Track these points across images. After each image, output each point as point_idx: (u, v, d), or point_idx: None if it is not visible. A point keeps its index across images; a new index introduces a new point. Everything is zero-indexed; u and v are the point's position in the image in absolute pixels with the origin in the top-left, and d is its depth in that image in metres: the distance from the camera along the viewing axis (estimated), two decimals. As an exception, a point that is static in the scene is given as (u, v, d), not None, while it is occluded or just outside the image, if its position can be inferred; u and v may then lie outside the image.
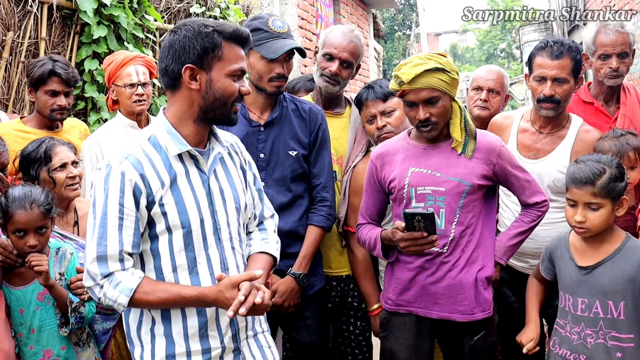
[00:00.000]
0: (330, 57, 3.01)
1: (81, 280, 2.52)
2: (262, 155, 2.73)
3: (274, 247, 2.27)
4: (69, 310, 2.47)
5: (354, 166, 3.01)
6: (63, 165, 2.73)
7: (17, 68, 3.72)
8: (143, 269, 1.99)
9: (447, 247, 2.48)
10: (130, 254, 1.92)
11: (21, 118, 3.29)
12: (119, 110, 3.47)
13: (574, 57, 2.84)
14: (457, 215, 2.47)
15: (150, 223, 1.96)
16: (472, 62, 37.24)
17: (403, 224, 2.36)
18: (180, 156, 2.00)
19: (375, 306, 2.95)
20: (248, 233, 2.29)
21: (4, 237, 2.49)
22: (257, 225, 2.33)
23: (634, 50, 3.26)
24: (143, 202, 1.92)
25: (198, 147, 2.04)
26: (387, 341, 2.68)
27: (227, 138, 2.21)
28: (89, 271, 1.91)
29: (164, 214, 1.94)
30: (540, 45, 2.93)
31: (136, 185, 1.91)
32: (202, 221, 1.99)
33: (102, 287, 1.90)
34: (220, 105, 1.98)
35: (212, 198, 2.04)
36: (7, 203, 2.41)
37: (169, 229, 1.96)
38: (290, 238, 2.72)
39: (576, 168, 2.34)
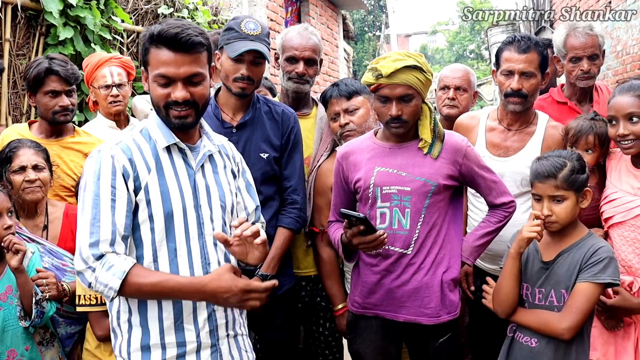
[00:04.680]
0: (293, 60, 3.05)
1: (42, 278, 2.54)
2: (233, 157, 2.74)
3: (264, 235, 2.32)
4: (33, 302, 2.46)
5: (319, 166, 3.04)
6: (22, 168, 2.69)
7: (-19, 70, 3.67)
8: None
9: (412, 248, 2.49)
10: (123, 237, 1.94)
11: (30, 123, 3.15)
12: (99, 111, 3.45)
13: (540, 52, 2.88)
14: (423, 215, 2.47)
15: (135, 209, 1.98)
16: (441, 62, 37.51)
17: (350, 231, 2.36)
18: (169, 149, 2.05)
19: (340, 306, 2.96)
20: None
21: None
22: None
23: (604, 51, 3.31)
24: (130, 185, 1.96)
25: (187, 142, 2.08)
26: (353, 343, 2.68)
27: (219, 139, 2.24)
28: (81, 253, 1.90)
29: (148, 201, 1.97)
30: (508, 40, 2.96)
31: (124, 169, 1.95)
32: (184, 213, 2.02)
33: (94, 270, 1.89)
34: (157, 109, 2.02)
35: (197, 193, 2.07)
36: None
37: (151, 217, 1.98)
38: (259, 239, 2.74)
39: (538, 164, 2.39)
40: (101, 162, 1.95)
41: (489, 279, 2.59)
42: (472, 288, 2.96)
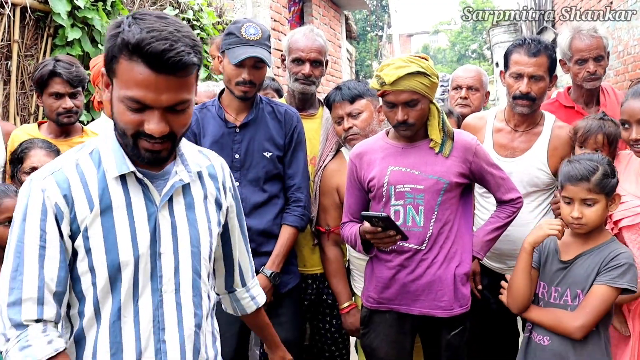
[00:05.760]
0: (300, 61, 3.10)
1: None
2: (237, 156, 2.78)
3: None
4: None
5: (324, 167, 3.07)
6: (33, 169, 2.69)
7: (-10, 70, 3.74)
8: (67, 312, 1.60)
9: (425, 244, 2.54)
10: (56, 294, 1.52)
11: (39, 124, 3.21)
12: (103, 111, 3.49)
13: (550, 56, 2.90)
14: (436, 212, 2.53)
15: (74, 257, 1.56)
16: (444, 62, 37.56)
17: (368, 226, 2.43)
18: (124, 179, 1.59)
19: (346, 304, 2.99)
20: (243, 284, 2.01)
21: None
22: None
23: (608, 52, 3.34)
24: (65, 229, 1.52)
25: (150, 169, 1.62)
26: (367, 338, 2.72)
27: (199, 160, 1.76)
28: (0, 312, 1.50)
29: (88, 250, 1.54)
30: (518, 43, 2.97)
31: (57, 208, 1.52)
32: (136, 264, 1.57)
33: (7, 340, 1.48)
34: (122, 133, 1.53)
35: (158, 236, 1.60)
36: None
37: (92, 269, 1.55)
38: (264, 237, 2.79)
39: (570, 167, 2.39)
40: (29, 197, 1.53)
41: (508, 276, 2.62)
42: (480, 287, 3.00)
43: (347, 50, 12.93)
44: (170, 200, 1.63)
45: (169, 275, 1.61)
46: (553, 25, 11.21)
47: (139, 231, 1.57)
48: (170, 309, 1.61)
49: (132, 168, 1.56)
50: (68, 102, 3.03)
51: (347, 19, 12.75)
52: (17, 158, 2.76)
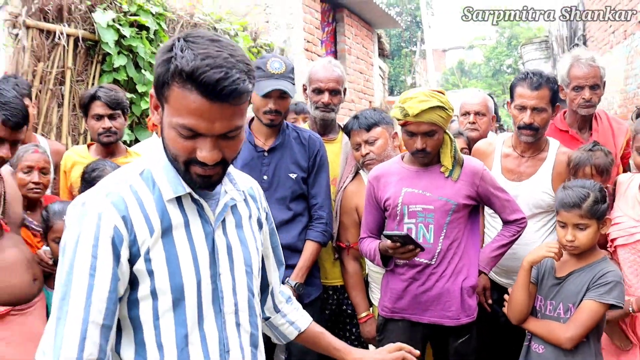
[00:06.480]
0: (319, 91, 3.34)
1: None
2: (265, 177, 3.02)
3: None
4: None
5: (344, 188, 3.29)
6: None
7: (46, 95, 4.10)
8: (119, 342, 1.51)
9: (435, 259, 2.76)
10: (103, 327, 1.41)
11: (89, 145, 3.49)
12: (157, 132, 3.74)
13: (551, 88, 3.06)
14: (445, 231, 2.74)
15: (132, 283, 1.48)
16: (479, 77, 37.35)
17: (389, 242, 2.66)
18: (179, 200, 1.53)
19: (364, 314, 3.21)
20: (277, 310, 1.97)
21: (45, 247, 2.78)
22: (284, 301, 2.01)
23: (604, 82, 3.51)
24: (125, 253, 1.44)
25: (202, 190, 1.56)
26: (382, 344, 2.88)
27: (244, 181, 1.76)
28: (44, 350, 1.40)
29: (150, 272, 1.47)
30: (521, 77, 3.15)
31: (116, 231, 1.43)
32: (199, 287, 1.52)
33: None
34: (173, 159, 1.49)
35: (217, 257, 1.57)
36: (49, 215, 2.72)
37: (154, 294, 1.47)
38: (289, 251, 2.98)
39: (564, 194, 2.55)
40: (84, 221, 1.43)
41: (510, 289, 2.80)
42: (490, 301, 3.17)
43: (380, 67, 13.14)
44: (223, 220, 1.61)
45: (229, 296, 1.58)
46: (584, 43, 11.22)
47: (199, 252, 1.53)
48: (232, 331, 1.59)
49: (189, 189, 1.52)
50: (106, 123, 3.30)
51: (379, 37, 12.98)
52: (89, 180, 2.89)
